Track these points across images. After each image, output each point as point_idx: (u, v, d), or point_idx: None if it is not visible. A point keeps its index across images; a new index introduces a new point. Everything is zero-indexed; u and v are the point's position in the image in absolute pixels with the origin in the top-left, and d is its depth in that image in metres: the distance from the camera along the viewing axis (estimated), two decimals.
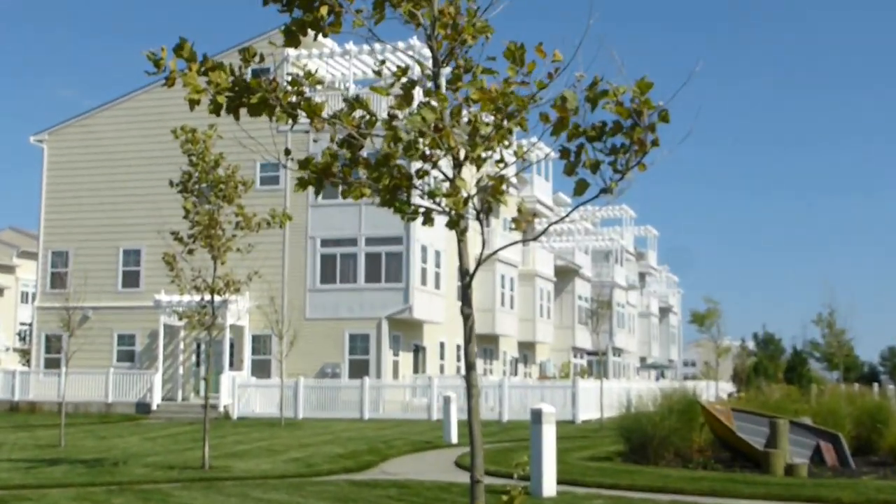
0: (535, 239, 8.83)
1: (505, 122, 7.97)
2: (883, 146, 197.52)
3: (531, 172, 54.31)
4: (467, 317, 8.09)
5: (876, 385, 57.60)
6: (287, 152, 8.11)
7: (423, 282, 40.08)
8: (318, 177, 7.66)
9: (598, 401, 33.58)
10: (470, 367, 8.07)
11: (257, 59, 7.53)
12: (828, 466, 19.14)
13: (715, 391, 55.89)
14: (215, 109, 7.25)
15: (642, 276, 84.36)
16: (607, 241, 70.41)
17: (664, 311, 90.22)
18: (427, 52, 8.26)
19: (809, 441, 19.83)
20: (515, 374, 52.96)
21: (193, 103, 7.18)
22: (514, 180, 46.66)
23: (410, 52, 33.53)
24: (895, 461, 20.19)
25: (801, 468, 17.78)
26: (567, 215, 8.45)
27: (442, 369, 43.70)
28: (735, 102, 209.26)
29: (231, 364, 39.65)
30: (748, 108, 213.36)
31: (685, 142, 7.92)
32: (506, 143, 8.09)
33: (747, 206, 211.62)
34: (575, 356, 62.52)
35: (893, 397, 38.83)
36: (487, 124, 7.97)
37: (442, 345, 44.01)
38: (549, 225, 8.47)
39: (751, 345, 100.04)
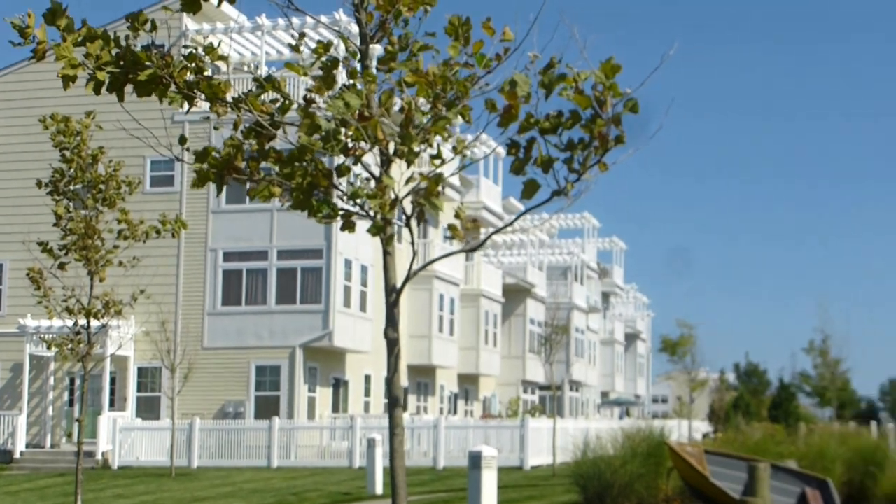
0: (473, 250, 8.84)
1: (444, 111, 7.97)
2: (882, 162, 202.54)
3: (478, 174, 54.49)
4: (393, 342, 8.09)
5: (874, 423, 58.65)
6: (182, 140, 8.03)
7: (347, 303, 39.95)
8: (218, 171, 7.60)
9: (550, 443, 33.73)
10: (394, 402, 8.06)
11: (148, 26, 7.44)
12: None
13: (688, 431, 56.45)
14: (95, 87, 7.15)
15: (606, 296, 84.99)
16: (565, 256, 70.75)
17: (631, 338, 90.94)
18: (356, 29, 8.24)
19: (794, 488, 20.11)
20: (455, 412, 52.95)
21: (68, 80, 7.08)
22: (455, 181, 46.83)
23: (336, 28, 33.11)
24: None
25: None
26: (512, 222, 8.46)
27: (367, 407, 43.56)
28: (731, 99, 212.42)
29: (112, 403, 39.10)
30: (742, 104, 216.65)
31: (655, 140, 7.97)
32: (444, 135, 8.09)
33: (730, 218, 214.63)
34: (525, 391, 62.70)
35: (893, 437, 39.56)
36: (424, 113, 7.97)
37: (368, 378, 43.89)
38: (490, 234, 8.47)
39: (731, 377, 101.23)
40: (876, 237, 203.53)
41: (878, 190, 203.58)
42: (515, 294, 60.57)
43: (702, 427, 69.26)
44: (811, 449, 23.18)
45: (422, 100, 8.01)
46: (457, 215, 8.15)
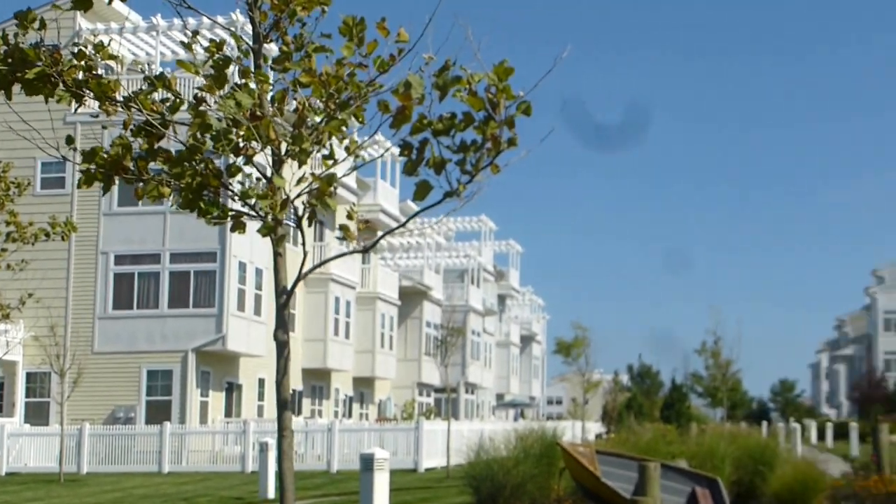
0: (366, 251, 8.84)
1: (337, 112, 7.97)
2: (773, 168, 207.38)
3: (375, 176, 54.44)
4: (282, 344, 8.08)
5: (765, 423, 59.95)
6: (69, 140, 7.91)
7: (241, 307, 39.63)
8: (106, 171, 7.51)
9: (445, 445, 33.83)
10: (283, 405, 8.06)
11: (37, 24, 7.33)
12: None
13: (581, 432, 57.03)
14: None
15: (502, 298, 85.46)
16: (462, 259, 70.97)
17: (526, 340, 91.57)
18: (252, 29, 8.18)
19: (684, 487, 20.40)
20: (350, 415, 52.83)
21: None
22: (351, 184, 46.66)
23: (232, 28, 32.76)
24: None
25: None
26: (405, 223, 8.51)
27: (261, 411, 43.24)
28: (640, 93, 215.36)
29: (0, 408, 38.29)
30: (641, 105, 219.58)
31: (550, 140, 8.07)
32: (339, 136, 8.09)
33: (625, 221, 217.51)
34: (420, 394, 62.78)
35: (783, 437, 40.54)
36: (317, 113, 7.97)
37: (262, 382, 43.57)
38: (383, 235, 8.49)
39: (625, 378, 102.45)
40: (768, 241, 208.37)
41: (767, 196, 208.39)
42: (412, 297, 60.63)
43: (595, 428, 70.01)
44: (702, 448, 23.54)
45: (317, 100, 8.00)
46: (349, 216, 8.17)
